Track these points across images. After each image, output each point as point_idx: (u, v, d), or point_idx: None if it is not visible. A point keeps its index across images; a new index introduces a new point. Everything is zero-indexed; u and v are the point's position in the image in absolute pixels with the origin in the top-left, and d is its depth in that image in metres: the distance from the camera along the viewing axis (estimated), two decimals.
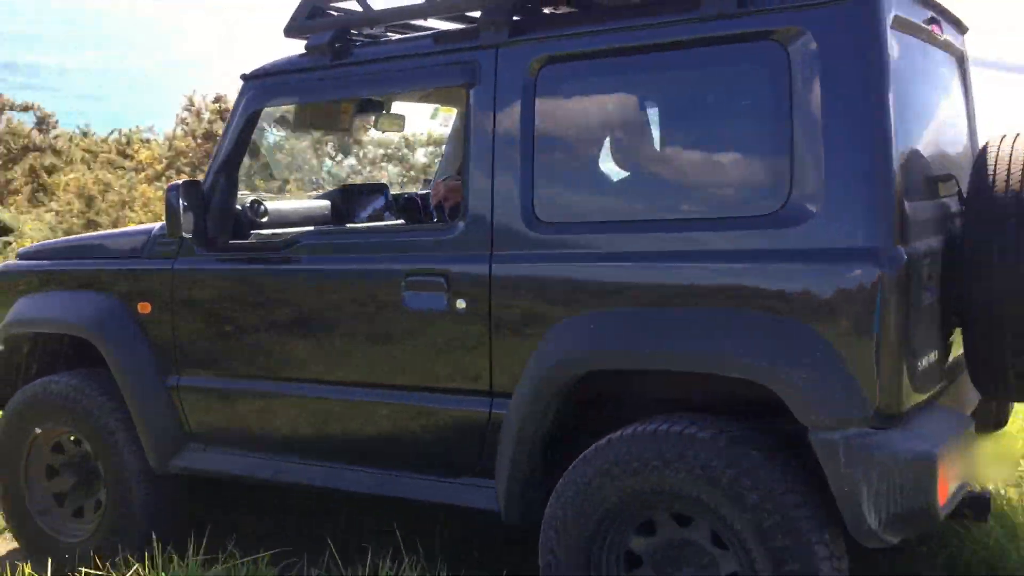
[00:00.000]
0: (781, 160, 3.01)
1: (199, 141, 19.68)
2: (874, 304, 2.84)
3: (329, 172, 19.13)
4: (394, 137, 18.75)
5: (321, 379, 3.83)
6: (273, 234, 4.05)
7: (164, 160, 19.55)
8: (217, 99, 20.27)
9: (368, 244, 3.80)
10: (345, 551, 4.10)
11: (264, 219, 4.21)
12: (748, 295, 3.02)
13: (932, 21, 3.48)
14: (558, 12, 3.56)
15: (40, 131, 20.66)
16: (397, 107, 5.03)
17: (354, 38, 3.91)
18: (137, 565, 3.88)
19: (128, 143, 21.55)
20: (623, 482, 3.09)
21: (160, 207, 15.60)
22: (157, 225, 4.33)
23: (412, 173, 18.73)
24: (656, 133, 3.50)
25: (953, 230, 3.31)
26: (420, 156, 19.53)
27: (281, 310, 3.89)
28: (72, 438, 4.48)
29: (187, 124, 20.39)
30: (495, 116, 3.44)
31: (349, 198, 4.90)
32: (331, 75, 3.87)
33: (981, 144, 3.46)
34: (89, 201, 17.00)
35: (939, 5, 3.59)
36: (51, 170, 19.41)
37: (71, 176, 18.51)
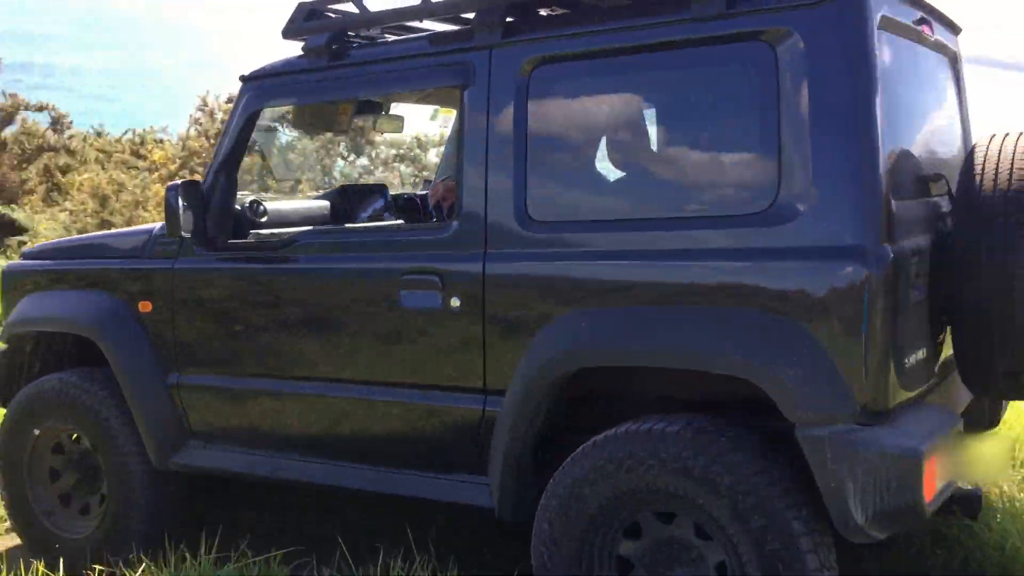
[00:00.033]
0: (770, 159, 3.04)
1: (212, 141, 19.72)
2: (861, 302, 2.86)
3: (341, 172, 19.18)
4: (406, 137, 18.82)
5: (319, 377, 3.86)
6: (272, 234, 4.09)
7: (178, 160, 19.59)
8: (230, 100, 20.33)
9: (365, 243, 3.84)
10: (356, 550, 4.12)
11: (263, 219, 4.26)
12: (735, 293, 3.04)
13: (922, 22, 3.49)
14: (551, 13, 3.59)
15: (55, 131, 20.70)
16: (398, 109, 5.07)
17: (351, 40, 3.95)
18: (148, 563, 3.91)
19: (142, 143, 21.58)
20: (601, 487, 3.14)
21: None
22: (158, 225, 4.37)
23: (425, 173, 18.72)
24: (646, 133, 3.52)
25: (943, 229, 3.33)
26: (432, 156, 19.54)
27: (279, 309, 3.93)
28: (73, 436, 4.52)
29: (200, 124, 20.43)
30: (489, 116, 3.48)
31: (348, 198, 4.94)
32: (328, 76, 3.91)
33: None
34: (103, 201, 17.03)
35: (929, 5, 3.59)
36: (65, 170, 19.46)
37: (85, 176, 18.54)
